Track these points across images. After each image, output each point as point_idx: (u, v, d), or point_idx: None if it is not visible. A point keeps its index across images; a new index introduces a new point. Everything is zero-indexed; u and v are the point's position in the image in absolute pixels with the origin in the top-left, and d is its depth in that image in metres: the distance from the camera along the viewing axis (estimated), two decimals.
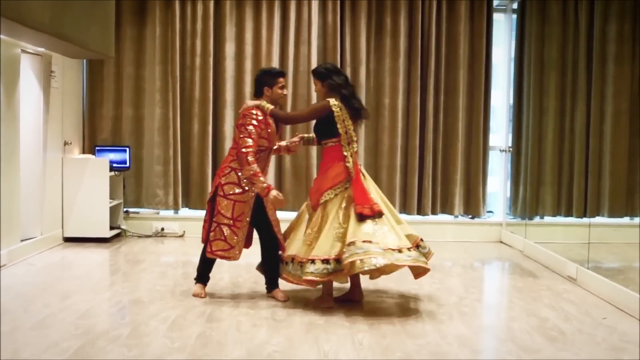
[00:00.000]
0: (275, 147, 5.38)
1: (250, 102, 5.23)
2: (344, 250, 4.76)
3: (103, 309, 5.03)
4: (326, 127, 5.14)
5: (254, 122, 5.07)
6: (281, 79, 5.27)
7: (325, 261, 4.82)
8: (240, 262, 6.04)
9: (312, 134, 5.48)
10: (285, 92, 5.33)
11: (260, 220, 5.25)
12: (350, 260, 4.67)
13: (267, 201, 5.18)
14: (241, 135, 5.06)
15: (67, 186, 7.46)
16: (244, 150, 5.01)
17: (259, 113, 5.12)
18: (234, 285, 5.73)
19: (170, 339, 4.25)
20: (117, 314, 4.96)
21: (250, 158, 4.99)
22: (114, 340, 4.20)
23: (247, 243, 5.38)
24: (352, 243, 4.74)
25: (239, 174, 5.13)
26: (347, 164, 5.06)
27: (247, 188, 5.14)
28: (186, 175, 8.12)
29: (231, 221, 5.15)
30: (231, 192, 5.15)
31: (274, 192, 5.03)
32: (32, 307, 4.92)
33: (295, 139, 5.51)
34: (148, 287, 5.62)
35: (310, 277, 4.83)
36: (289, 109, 8.02)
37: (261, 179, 5.01)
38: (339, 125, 5.08)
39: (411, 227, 5.29)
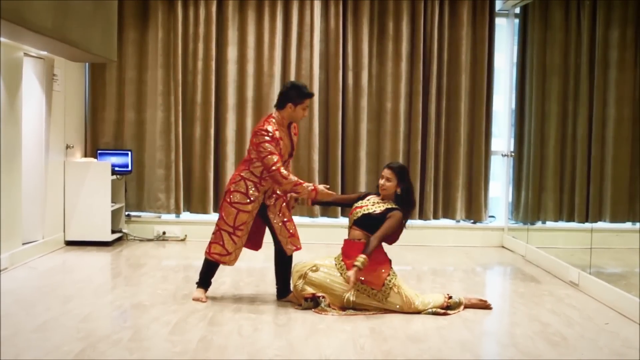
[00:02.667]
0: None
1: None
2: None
3: (104, 313, 5.02)
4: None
5: (267, 138, 5.04)
6: (308, 101, 5.22)
7: None
8: (241, 266, 6.04)
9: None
10: (306, 114, 5.30)
11: (268, 226, 5.31)
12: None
13: (270, 209, 5.21)
14: (262, 156, 5.04)
15: (69, 190, 7.45)
16: (273, 168, 5.00)
17: (269, 129, 5.09)
18: (236, 289, 5.72)
19: (172, 343, 4.24)
20: (119, 318, 4.95)
21: (283, 172, 5.01)
22: (115, 344, 4.19)
23: (257, 246, 5.44)
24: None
25: (248, 183, 5.14)
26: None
27: (253, 199, 5.14)
28: (188, 179, 8.12)
29: (232, 229, 5.18)
30: (237, 201, 5.16)
31: (320, 187, 5.14)
32: (34, 310, 4.91)
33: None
34: (149, 290, 5.61)
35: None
36: None
37: (304, 185, 5.08)
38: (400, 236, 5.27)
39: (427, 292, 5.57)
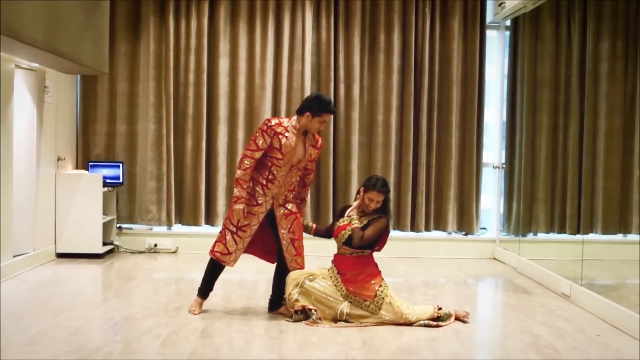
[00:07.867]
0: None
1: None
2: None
3: (95, 326, 4.99)
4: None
5: (264, 127, 5.06)
6: (327, 116, 5.15)
7: None
8: (233, 279, 6.02)
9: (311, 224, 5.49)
10: (322, 128, 5.23)
11: (275, 237, 5.29)
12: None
13: (280, 221, 5.19)
14: (246, 147, 5.13)
15: (60, 202, 7.43)
16: (243, 153, 5.07)
17: (273, 122, 5.08)
18: (227, 301, 5.70)
19: (163, 356, 4.22)
20: (110, 331, 4.93)
21: (246, 162, 5.03)
22: (106, 357, 4.17)
23: (272, 258, 5.41)
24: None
25: (256, 185, 5.14)
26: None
27: (260, 201, 5.13)
28: (179, 192, 8.10)
29: (235, 228, 5.16)
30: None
31: (238, 206, 5.05)
32: (24, 323, 4.89)
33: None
34: (141, 303, 5.59)
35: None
36: None
37: (240, 188, 5.04)
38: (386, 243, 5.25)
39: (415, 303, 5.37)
